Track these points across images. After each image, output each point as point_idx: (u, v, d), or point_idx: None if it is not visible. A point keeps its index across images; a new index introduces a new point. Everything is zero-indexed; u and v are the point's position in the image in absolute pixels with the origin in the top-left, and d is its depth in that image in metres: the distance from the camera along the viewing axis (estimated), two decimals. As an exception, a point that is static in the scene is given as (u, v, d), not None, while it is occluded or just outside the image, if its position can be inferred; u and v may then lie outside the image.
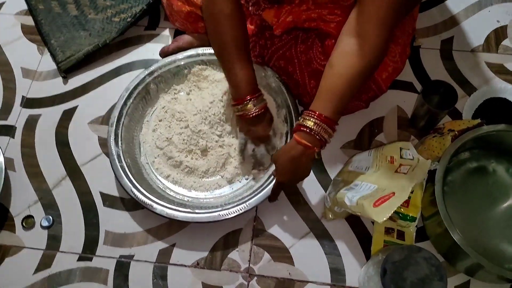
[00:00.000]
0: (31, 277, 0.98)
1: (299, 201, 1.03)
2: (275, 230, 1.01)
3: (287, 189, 1.00)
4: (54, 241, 1.01)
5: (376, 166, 0.93)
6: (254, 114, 0.91)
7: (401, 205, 0.83)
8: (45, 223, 1.01)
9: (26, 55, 1.24)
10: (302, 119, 0.83)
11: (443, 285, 0.77)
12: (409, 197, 0.91)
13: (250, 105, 0.90)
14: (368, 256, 0.96)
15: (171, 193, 1.03)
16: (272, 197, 0.95)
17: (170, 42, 1.22)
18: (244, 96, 0.90)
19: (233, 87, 0.92)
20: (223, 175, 1.04)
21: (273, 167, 0.93)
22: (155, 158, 1.07)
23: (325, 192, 1.03)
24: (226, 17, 0.87)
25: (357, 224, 1.00)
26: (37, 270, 0.98)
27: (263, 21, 1.03)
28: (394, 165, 0.91)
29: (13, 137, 1.13)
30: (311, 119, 0.81)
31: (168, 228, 1.01)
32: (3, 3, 1.32)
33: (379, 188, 0.86)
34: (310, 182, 1.04)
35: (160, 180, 1.05)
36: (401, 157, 0.92)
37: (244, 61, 0.90)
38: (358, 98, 1.02)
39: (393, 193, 0.83)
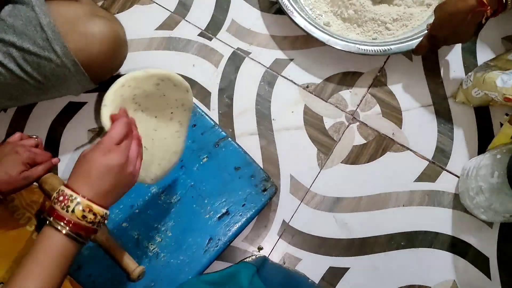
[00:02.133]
0: (153, 31, 0.99)
1: (433, 71, 0.94)
2: (396, 88, 0.94)
3: (435, 47, 0.90)
4: (183, 8, 1.00)
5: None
6: None
7: None
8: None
9: None
10: None
11: None
12: None
13: None
14: (481, 152, 0.89)
15: (315, 13, 0.96)
16: (418, 49, 0.86)
17: None
18: None
19: None
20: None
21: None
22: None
23: (465, 74, 0.93)
24: None
25: (484, 118, 0.91)
26: (160, 27, 1.00)
27: None
28: None
29: None
30: None
31: (293, 42, 0.97)
32: None
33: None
34: (454, 57, 0.94)
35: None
36: None
37: None
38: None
39: None
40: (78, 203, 0.50)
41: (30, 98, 0.83)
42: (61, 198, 0.51)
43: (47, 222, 0.51)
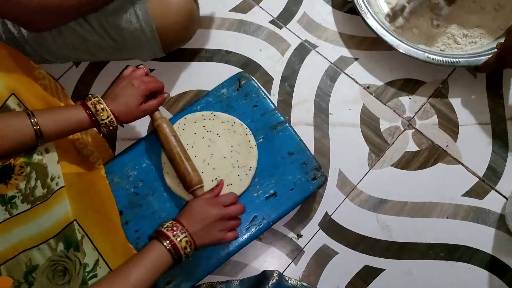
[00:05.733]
0: (227, 12, 1.03)
1: (496, 91, 0.95)
2: (456, 102, 0.95)
3: (501, 68, 0.91)
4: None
5: None
6: None
7: None
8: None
9: None
10: None
11: None
12: None
13: None
14: (534, 177, 0.89)
15: (385, 14, 0.98)
16: (484, 67, 0.87)
17: None
18: None
19: None
20: None
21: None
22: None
23: (528, 99, 0.93)
24: None
25: (542, 146, 0.91)
26: (234, 9, 1.03)
27: None
28: None
29: None
30: None
31: (360, 42, 0.99)
32: None
33: None
34: (520, 81, 0.95)
35: (381, 1, 1.00)
36: None
37: None
38: None
39: None
40: (185, 236, 0.65)
41: (105, 55, 0.87)
42: (174, 228, 0.65)
43: (156, 237, 0.65)
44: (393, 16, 0.96)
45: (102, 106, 0.69)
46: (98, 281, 0.61)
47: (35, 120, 0.63)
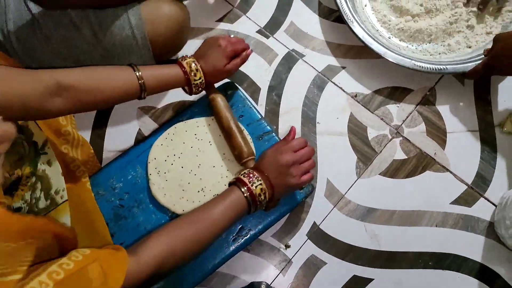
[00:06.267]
0: (214, 22, 1.03)
1: (484, 98, 0.94)
2: (444, 110, 0.94)
3: (488, 75, 0.91)
4: (245, 5, 1.05)
5: None
6: None
7: None
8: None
9: None
10: None
11: None
12: None
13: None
14: (522, 184, 0.88)
15: (372, 23, 0.98)
16: (471, 73, 0.87)
17: None
18: None
19: None
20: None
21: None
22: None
23: (516, 105, 0.93)
24: None
25: (530, 152, 0.90)
26: (221, 20, 1.03)
27: None
28: None
29: None
30: None
31: (347, 51, 0.99)
32: None
33: None
34: (505, 87, 0.94)
35: (368, 10, 1.00)
36: None
37: None
38: None
39: None
40: (260, 184, 0.67)
41: (92, 62, 0.88)
42: (251, 175, 0.68)
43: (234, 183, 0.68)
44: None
45: (195, 66, 0.76)
46: (184, 215, 0.64)
47: (140, 73, 0.70)
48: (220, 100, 0.82)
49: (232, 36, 0.82)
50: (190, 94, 0.79)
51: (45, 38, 0.79)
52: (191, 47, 1.00)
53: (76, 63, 0.85)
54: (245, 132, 0.85)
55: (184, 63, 0.76)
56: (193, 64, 0.76)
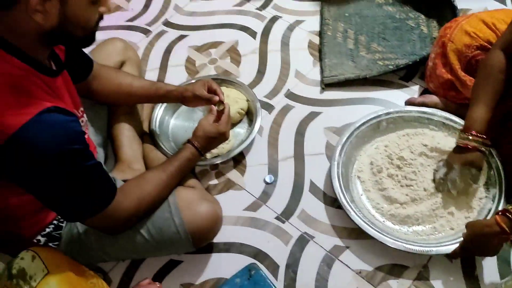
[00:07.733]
0: (241, 211, 1.29)
1: (471, 274, 1.10)
2: (437, 284, 1.09)
3: (467, 255, 1.07)
4: (265, 196, 1.30)
5: None
6: (470, 147, 1.06)
7: None
8: (268, 180, 1.32)
9: (303, 62, 1.60)
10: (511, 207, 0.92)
11: None
12: None
13: (472, 138, 1.06)
14: None
15: (368, 209, 1.21)
16: (453, 255, 1.05)
17: (416, 96, 1.42)
18: (471, 129, 1.07)
19: (468, 119, 1.09)
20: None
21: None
22: (368, 180, 1.27)
23: (500, 280, 1.07)
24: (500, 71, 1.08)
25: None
26: (246, 209, 1.29)
27: None
28: None
29: (270, 113, 1.48)
30: None
31: (350, 233, 1.20)
32: (303, 21, 1.73)
33: None
34: (489, 263, 1.10)
35: (364, 199, 1.25)
36: None
37: (489, 107, 1.07)
38: None
39: None
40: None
41: (147, 253, 1.13)
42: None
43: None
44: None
45: None
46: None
47: None
48: None
49: (157, 284, 1.11)
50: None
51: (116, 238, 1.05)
52: (222, 232, 1.23)
53: (135, 253, 1.10)
54: None
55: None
56: None
